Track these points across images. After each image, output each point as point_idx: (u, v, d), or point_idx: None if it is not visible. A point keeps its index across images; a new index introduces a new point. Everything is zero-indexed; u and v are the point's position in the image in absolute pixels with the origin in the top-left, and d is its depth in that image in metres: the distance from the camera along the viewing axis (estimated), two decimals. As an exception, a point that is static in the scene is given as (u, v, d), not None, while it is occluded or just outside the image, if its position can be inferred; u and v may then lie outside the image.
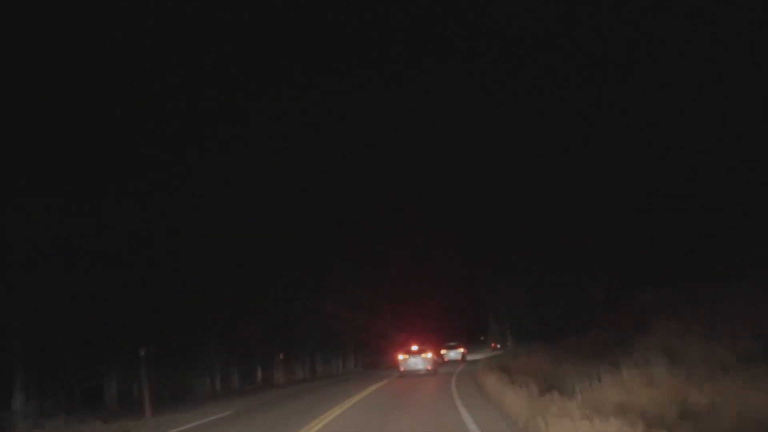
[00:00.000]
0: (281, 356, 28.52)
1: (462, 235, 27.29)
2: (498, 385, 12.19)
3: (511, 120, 17.58)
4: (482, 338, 56.33)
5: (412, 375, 23.81)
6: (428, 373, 23.98)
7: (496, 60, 16.32)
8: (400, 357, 25.41)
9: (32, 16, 13.66)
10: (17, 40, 13.44)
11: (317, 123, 20.67)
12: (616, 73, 14.26)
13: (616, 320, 16.40)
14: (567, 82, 15.43)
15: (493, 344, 47.20)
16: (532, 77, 16.08)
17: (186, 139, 18.03)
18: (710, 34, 12.03)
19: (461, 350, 39.43)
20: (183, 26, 15.81)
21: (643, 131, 14.37)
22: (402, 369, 24.66)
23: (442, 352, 36.99)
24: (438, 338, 37.15)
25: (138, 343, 14.96)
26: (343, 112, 20.22)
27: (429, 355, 25.12)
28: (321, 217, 26.08)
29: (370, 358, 41.72)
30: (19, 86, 13.47)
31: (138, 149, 16.44)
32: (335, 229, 27.60)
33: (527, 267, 23.51)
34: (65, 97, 14.49)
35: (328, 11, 16.01)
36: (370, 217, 28.05)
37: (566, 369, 12.09)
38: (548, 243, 19.87)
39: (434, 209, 26.64)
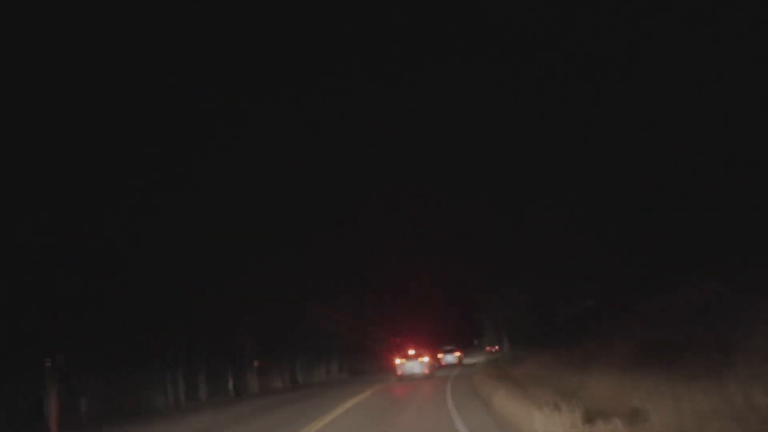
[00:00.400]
0: (256, 363, 26.43)
1: (461, 235, 27.26)
2: (509, 399, 9.77)
3: (511, 120, 17.56)
4: (476, 342, 55.73)
5: (409, 379, 23.88)
6: (425, 377, 24.14)
7: (496, 60, 16.29)
8: (397, 361, 25.65)
9: (32, 16, 13.64)
10: (17, 40, 13.42)
11: (317, 123, 20.64)
12: (616, 73, 14.25)
13: (653, 317, 12.64)
14: (567, 82, 15.41)
15: (488, 348, 46.81)
16: (532, 77, 16.06)
17: (186, 139, 18.03)
18: (710, 34, 12.03)
19: (457, 354, 39.55)
20: (183, 26, 15.79)
21: (644, 131, 14.37)
22: (399, 373, 24.91)
23: (439, 356, 36.91)
24: (432, 341, 36.58)
25: (74, 350, 13.77)
26: (343, 112, 20.18)
27: (426, 359, 25.43)
28: (321, 217, 26.06)
29: (357, 363, 39.77)
30: (19, 86, 13.46)
31: (138, 149, 16.46)
32: (334, 230, 27.57)
33: (530, 266, 23.42)
34: (65, 97, 14.48)
35: (328, 11, 15.99)
36: (369, 217, 28.03)
37: (597, 380, 9.39)
38: (550, 242, 19.83)
39: (434, 209, 26.62)
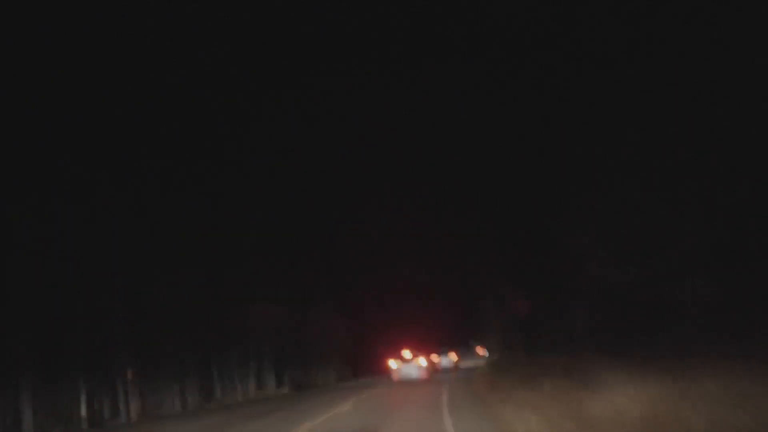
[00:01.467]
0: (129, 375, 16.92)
1: (461, 236, 27.28)
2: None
3: (511, 120, 17.59)
4: (471, 342, 54.38)
5: (406, 383, 23.24)
6: (422, 381, 23.61)
7: (496, 60, 16.32)
8: (393, 365, 25.46)
9: (32, 16, 13.66)
10: (17, 40, 13.43)
11: (317, 123, 20.69)
12: (616, 73, 14.26)
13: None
14: (567, 82, 15.43)
15: (480, 351, 45.71)
16: (532, 77, 16.08)
17: (186, 139, 18.05)
18: (710, 35, 12.03)
19: (453, 357, 38.90)
20: (183, 26, 15.82)
21: (643, 131, 14.35)
22: (395, 377, 24.65)
23: (435, 359, 36.13)
24: (425, 343, 34.38)
25: None
26: (343, 112, 20.23)
27: (423, 362, 25.16)
28: (320, 217, 26.09)
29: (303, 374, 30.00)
30: (19, 86, 13.47)
31: (138, 149, 16.47)
32: (334, 230, 27.58)
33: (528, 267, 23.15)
34: (65, 97, 14.49)
35: (328, 11, 16.02)
36: (369, 217, 28.04)
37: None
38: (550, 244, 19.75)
39: (434, 209, 26.67)
